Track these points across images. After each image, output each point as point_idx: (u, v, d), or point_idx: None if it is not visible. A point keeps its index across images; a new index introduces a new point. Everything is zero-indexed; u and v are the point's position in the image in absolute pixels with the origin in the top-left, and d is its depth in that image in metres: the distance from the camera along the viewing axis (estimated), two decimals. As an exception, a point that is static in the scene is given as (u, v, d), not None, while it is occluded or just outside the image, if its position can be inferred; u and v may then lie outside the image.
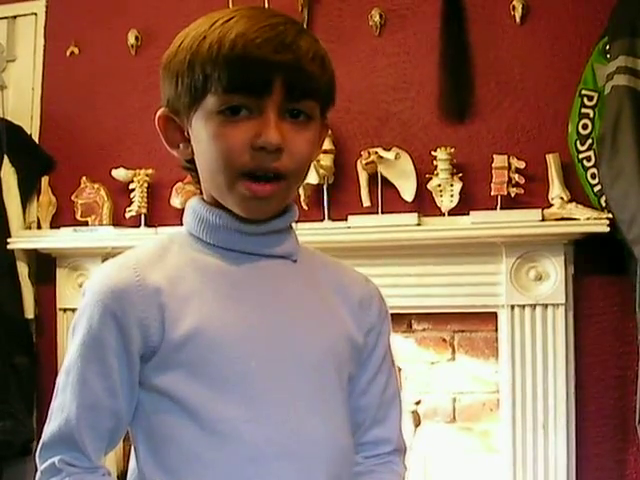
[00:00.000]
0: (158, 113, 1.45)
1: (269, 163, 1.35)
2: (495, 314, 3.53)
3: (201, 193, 1.48)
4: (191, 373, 1.35)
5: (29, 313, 4.00)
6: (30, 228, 4.02)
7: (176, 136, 1.45)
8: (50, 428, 1.39)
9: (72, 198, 3.91)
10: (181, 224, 1.50)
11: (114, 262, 1.44)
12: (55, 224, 3.99)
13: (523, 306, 3.44)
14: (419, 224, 3.45)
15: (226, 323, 1.37)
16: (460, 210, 3.44)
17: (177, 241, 1.47)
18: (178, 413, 1.35)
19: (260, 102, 1.33)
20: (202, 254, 1.43)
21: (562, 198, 3.35)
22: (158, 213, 3.84)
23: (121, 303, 1.36)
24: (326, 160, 3.56)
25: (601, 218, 3.25)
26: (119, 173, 3.86)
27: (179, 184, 3.71)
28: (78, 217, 3.89)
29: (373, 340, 1.57)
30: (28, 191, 4.06)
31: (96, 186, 3.89)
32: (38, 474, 1.40)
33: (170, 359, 1.35)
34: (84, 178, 3.91)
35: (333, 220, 3.61)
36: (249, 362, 1.38)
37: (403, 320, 3.69)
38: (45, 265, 3.94)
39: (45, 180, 4.04)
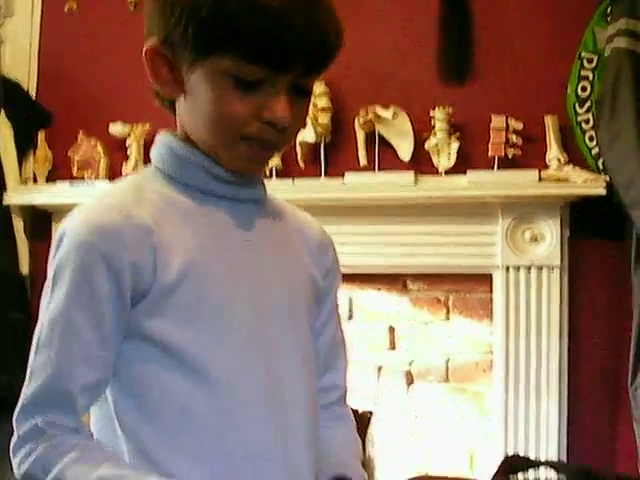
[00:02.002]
0: (147, 45, 1.37)
1: (273, 137, 1.35)
2: (490, 275, 3.53)
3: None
4: (181, 318, 1.32)
5: (24, 269, 4.00)
6: (26, 183, 4.01)
7: (165, 73, 1.38)
8: (31, 388, 1.31)
9: (68, 153, 3.90)
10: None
11: (96, 203, 1.38)
12: (51, 179, 3.97)
13: (518, 267, 3.44)
14: (416, 183, 3.44)
15: (210, 265, 1.36)
16: (457, 170, 3.43)
17: (149, 180, 1.42)
18: (165, 360, 1.31)
19: (276, 76, 1.31)
20: (176, 194, 1.40)
21: (559, 160, 3.35)
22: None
23: (113, 245, 1.30)
24: (323, 118, 3.54)
25: (598, 181, 3.25)
26: (116, 128, 3.84)
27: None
28: (74, 172, 3.88)
29: (329, 284, 1.58)
30: (24, 146, 4.04)
31: (93, 141, 3.88)
32: (15, 439, 1.32)
33: (160, 303, 1.31)
34: (81, 133, 3.89)
35: (329, 177, 3.60)
36: (237, 306, 1.38)
37: (398, 280, 3.68)
38: (41, 221, 3.92)
39: (42, 135, 4.02)
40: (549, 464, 2.16)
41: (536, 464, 2.17)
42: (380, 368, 3.73)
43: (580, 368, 3.45)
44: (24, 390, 1.33)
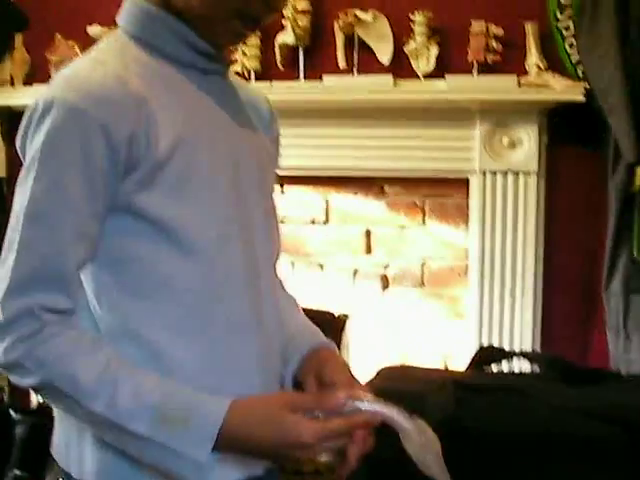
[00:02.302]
0: None
1: (265, 15, 1.37)
2: (467, 180, 3.54)
3: None
4: (171, 191, 1.32)
5: (1, 172, 3.98)
6: (3, 85, 3.97)
7: None
8: (20, 267, 1.26)
9: (46, 55, 3.86)
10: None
11: (84, 70, 1.32)
12: (29, 82, 3.94)
13: (495, 172, 3.45)
14: (395, 86, 3.43)
15: (197, 138, 1.36)
16: (436, 74, 3.41)
17: (126, 47, 1.38)
18: (152, 234, 1.31)
19: None
20: (155, 63, 1.38)
21: (539, 67, 3.33)
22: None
23: (111, 114, 1.26)
24: (303, 20, 3.51)
25: (577, 87, 3.24)
26: (94, 30, 3.80)
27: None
28: (52, 74, 3.84)
29: (275, 154, 1.62)
30: (2, 49, 4.00)
31: (70, 43, 3.84)
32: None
33: (151, 177, 1.30)
34: (58, 35, 3.85)
35: (308, 80, 3.58)
36: (220, 180, 1.39)
37: (374, 184, 3.68)
38: (18, 124, 3.88)
39: (19, 38, 3.98)
40: (522, 355, 2.19)
41: (509, 355, 2.20)
42: (356, 272, 3.76)
43: (555, 274, 3.48)
44: (5, 269, 1.27)
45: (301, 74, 3.59)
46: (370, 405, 1.29)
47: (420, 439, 1.27)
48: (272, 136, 1.59)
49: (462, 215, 3.60)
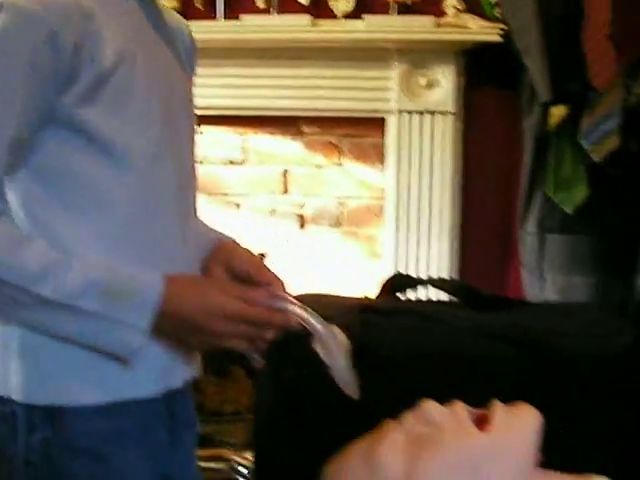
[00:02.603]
0: None
1: None
2: (383, 120, 3.56)
3: None
4: (111, 107, 1.32)
5: None
6: None
7: None
8: None
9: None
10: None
11: None
12: None
13: (412, 112, 3.47)
14: (313, 25, 3.41)
15: (138, 57, 1.37)
16: (355, 15, 3.41)
17: None
18: (90, 149, 1.32)
19: None
20: None
21: (457, 8, 3.35)
22: None
23: (62, 21, 1.25)
24: (221, -42, 3.47)
25: (494, 28, 3.27)
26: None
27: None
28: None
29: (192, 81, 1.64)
30: None
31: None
32: None
33: (93, 91, 1.30)
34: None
35: (227, 20, 3.54)
36: (156, 100, 1.41)
37: (292, 123, 3.68)
38: None
39: None
40: (431, 282, 2.21)
41: (419, 282, 2.21)
42: (273, 211, 3.76)
43: (472, 213, 3.54)
44: None
45: (220, 13, 3.54)
46: (290, 306, 1.35)
47: (333, 344, 1.32)
48: (192, 65, 1.62)
49: (379, 155, 3.62)
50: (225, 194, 3.77)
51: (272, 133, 3.70)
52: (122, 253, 1.37)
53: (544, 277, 3.26)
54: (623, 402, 1.65)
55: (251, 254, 1.55)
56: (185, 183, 1.49)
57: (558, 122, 3.17)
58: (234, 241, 1.59)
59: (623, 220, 3.05)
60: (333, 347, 1.32)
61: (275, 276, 1.45)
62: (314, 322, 1.33)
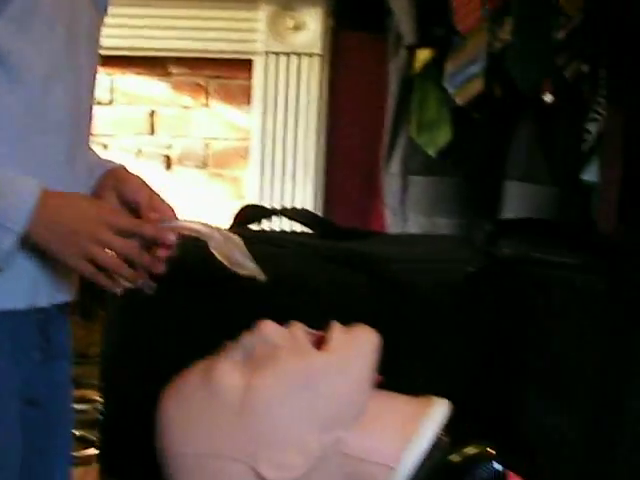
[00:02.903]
0: None
1: None
2: (251, 61, 3.57)
3: None
4: (14, 22, 1.31)
5: None
6: None
7: None
8: None
9: None
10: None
11: None
12: None
13: (279, 54, 3.47)
14: (181, -35, 3.39)
15: None
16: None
17: None
18: None
19: None
20: None
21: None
22: None
23: None
24: None
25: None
26: None
27: None
28: None
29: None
30: None
31: None
32: None
33: (1, 4, 1.29)
34: None
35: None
36: (58, 23, 1.38)
37: (159, 64, 3.67)
38: None
39: None
40: (283, 212, 2.18)
41: (272, 212, 2.19)
42: (139, 152, 3.74)
43: (337, 155, 3.57)
44: None
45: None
46: (180, 222, 1.41)
47: (230, 244, 1.37)
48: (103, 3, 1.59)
49: (246, 96, 3.62)
50: (92, 135, 3.71)
51: (139, 73, 3.67)
52: (5, 166, 1.33)
53: (406, 218, 3.30)
54: (462, 330, 1.69)
55: (142, 182, 1.52)
56: (79, 113, 1.46)
57: (423, 65, 3.20)
58: (125, 168, 1.56)
59: (487, 163, 3.11)
60: (231, 246, 1.36)
61: (167, 205, 1.45)
62: (206, 230, 1.37)
